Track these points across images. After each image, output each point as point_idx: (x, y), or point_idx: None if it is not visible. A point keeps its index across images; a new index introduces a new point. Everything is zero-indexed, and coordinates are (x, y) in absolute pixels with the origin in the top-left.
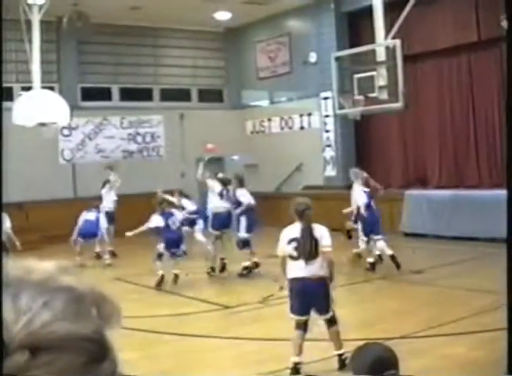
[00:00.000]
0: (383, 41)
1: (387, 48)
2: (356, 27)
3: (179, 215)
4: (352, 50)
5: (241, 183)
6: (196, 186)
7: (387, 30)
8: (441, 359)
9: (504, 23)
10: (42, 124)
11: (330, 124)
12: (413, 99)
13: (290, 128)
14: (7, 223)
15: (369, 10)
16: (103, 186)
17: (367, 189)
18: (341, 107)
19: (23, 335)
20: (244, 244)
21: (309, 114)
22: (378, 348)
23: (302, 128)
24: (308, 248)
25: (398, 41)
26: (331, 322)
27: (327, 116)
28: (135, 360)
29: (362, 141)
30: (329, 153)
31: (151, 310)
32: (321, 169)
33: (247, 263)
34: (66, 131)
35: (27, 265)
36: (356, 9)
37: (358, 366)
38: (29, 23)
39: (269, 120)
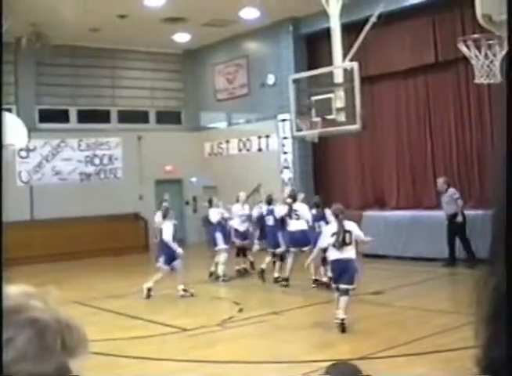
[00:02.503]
0: (340, 63)
1: (345, 70)
2: (314, 49)
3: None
4: (310, 72)
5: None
6: (153, 207)
7: (345, 53)
8: None
9: (461, 45)
10: None
11: (288, 145)
12: (371, 120)
13: (248, 150)
14: None
15: (326, 33)
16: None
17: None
18: (299, 129)
19: None
20: None
21: (267, 136)
22: (347, 368)
23: (260, 149)
24: (341, 239)
25: (355, 64)
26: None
27: (285, 138)
28: None
29: (320, 162)
30: (288, 174)
31: (108, 333)
32: (279, 191)
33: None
34: (23, 153)
35: None
36: (314, 32)
37: None
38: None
39: (227, 142)
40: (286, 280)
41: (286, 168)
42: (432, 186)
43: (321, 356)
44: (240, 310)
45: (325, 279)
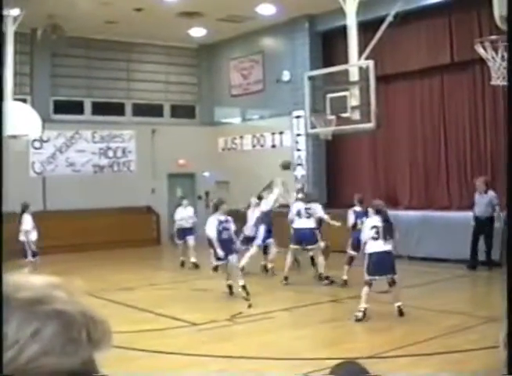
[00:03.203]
0: (356, 61)
1: (361, 68)
2: (330, 46)
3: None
4: (325, 70)
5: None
6: (166, 201)
7: (361, 51)
8: None
9: (478, 46)
10: (13, 137)
11: (302, 143)
12: (385, 119)
13: (262, 145)
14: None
15: (343, 30)
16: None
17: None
18: (313, 127)
19: (8, 371)
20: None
21: (281, 133)
22: (354, 367)
23: (274, 146)
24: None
25: (371, 62)
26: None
27: (299, 135)
28: None
29: (333, 160)
30: (300, 171)
31: (119, 326)
32: (292, 187)
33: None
34: (37, 144)
35: (15, 281)
36: (330, 29)
37: None
38: (2, 34)
39: (241, 137)
40: (286, 278)
41: (300, 164)
42: (445, 186)
43: (329, 353)
44: (249, 306)
45: (344, 277)
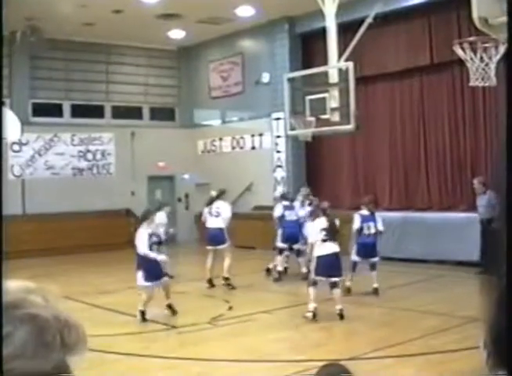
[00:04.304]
0: (336, 63)
1: (340, 70)
2: (309, 48)
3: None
4: (305, 71)
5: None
6: (145, 204)
7: (340, 52)
8: None
9: (456, 47)
10: None
11: (282, 144)
12: (365, 121)
13: (242, 147)
14: None
15: (322, 32)
16: None
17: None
18: (293, 128)
19: None
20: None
21: (261, 135)
22: (338, 369)
23: (253, 148)
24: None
25: (350, 64)
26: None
27: (279, 136)
28: None
29: (312, 162)
30: (280, 173)
31: (98, 329)
32: (271, 190)
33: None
34: (16, 147)
35: None
36: (310, 31)
37: None
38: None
39: (221, 139)
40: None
41: (279, 166)
42: (424, 187)
43: (310, 355)
44: (230, 308)
45: (348, 283)
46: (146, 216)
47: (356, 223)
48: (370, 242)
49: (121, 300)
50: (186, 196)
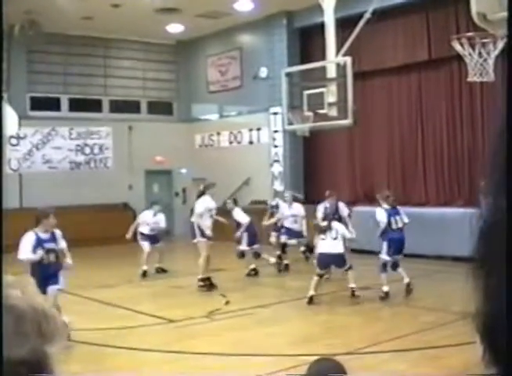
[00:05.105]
0: (334, 58)
1: (338, 65)
2: (307, 43)
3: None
4: (303, 66)
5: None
6: (143, 197)
7: (338, 48)
8: None
9: (455, 43)
10: None
11: (279, 139)
12: (362, 116)
13: (239, 142)
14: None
15: (320, 27)
16: None
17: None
18: (290, 123)
19: None
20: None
21: (258, 129)
22: (329, 364)
23: (251, 142)
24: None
25: (348, 59)
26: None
27: (276, 131)
28: (79, 373)
29: (310, 157)
30: (278, 168)
31: (94, 323)
32: (269, 184)
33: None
34: (13, 141)
35: None
36: (308, 26)
37: None
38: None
39: (218, 134)
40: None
41: (277, 161)
42: (422, 183)
43: (306, 350)
44: (227, 303)
45: (385, 288)
46: None
47: (383, 217)
48: (401, 237)
49: (119, 294)
50: (183, 190)
